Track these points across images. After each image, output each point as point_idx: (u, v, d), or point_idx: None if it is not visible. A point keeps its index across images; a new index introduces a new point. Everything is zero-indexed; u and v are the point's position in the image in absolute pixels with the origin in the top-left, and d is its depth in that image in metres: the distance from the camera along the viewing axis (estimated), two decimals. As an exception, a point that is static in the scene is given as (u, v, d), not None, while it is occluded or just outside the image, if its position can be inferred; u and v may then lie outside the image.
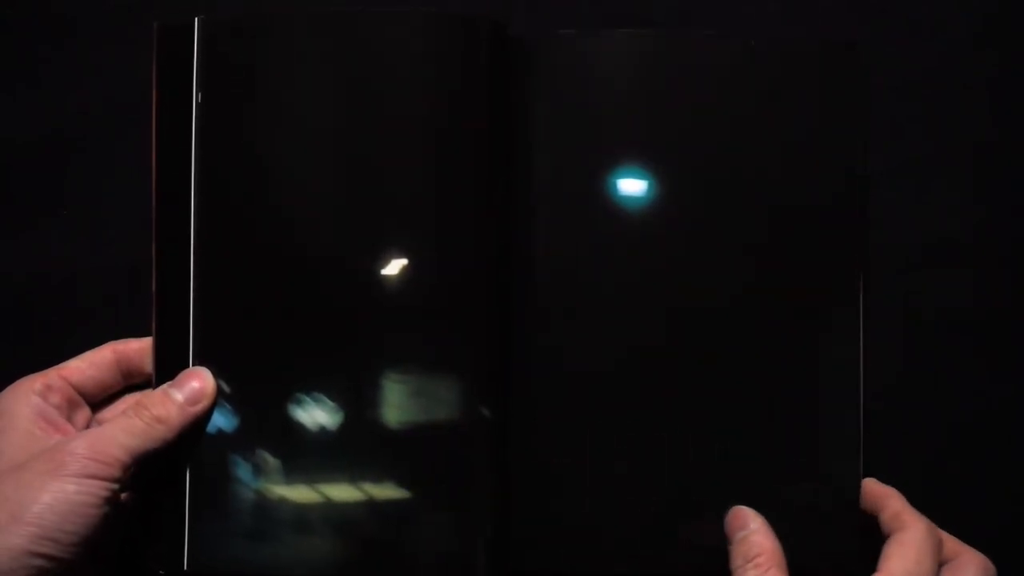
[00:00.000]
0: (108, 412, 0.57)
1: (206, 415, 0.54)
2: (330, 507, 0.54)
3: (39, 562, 0.49)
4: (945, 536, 0.54)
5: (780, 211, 0.57)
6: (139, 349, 0.57)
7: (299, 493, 0.54)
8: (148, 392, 0.55)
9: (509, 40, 0.56)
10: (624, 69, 0.57)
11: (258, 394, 0.55)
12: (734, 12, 0.63)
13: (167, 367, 0.55)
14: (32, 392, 0.54)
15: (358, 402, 0.54)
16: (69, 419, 0.55)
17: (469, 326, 0.55)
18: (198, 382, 0.54)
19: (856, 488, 0.56)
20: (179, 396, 0.54)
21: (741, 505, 0.55)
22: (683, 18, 0.63)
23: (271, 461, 0.54)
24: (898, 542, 0.53)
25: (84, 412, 0.56)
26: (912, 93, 0.62)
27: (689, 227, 0.57)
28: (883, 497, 0.55)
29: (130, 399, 0.57)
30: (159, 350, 0.56)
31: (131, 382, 0.57)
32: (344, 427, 0.54)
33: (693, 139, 0.57)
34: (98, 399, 0.57)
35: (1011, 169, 0.62)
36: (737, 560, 0.53)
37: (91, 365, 0.56)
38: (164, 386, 0.54)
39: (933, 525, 0.53)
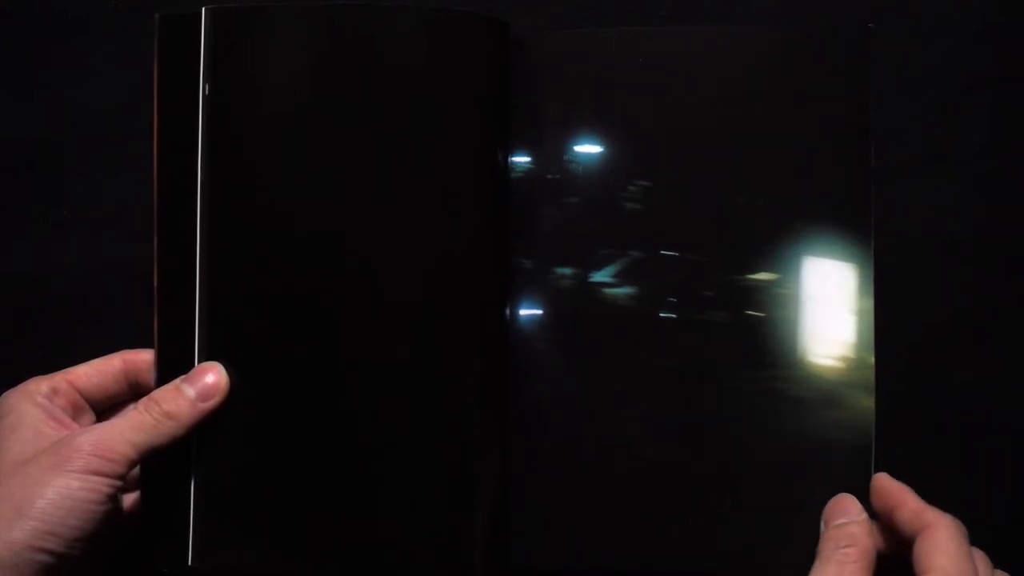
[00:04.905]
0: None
1: (217, 411, 0.54)
2: (333, 505, 0.54)
3: (42, 557, 0.49)
4: None
5: (784, 208, 0.57)
6: (149, 360, 0.56)
7: (303, 490, 0.54)
8: (162, 388, 0.54)
9: (510, 39, 0.56)
10: (626, 66, 0.57)
11: (266, 391, 0.54)
12: (733, 12, 0.63)
13: (169, 363, 0.55)
14: (38, 393, 0.54)
15: (362, 399, 0.54)
16: (75, 422, 0.55)
17: (470, 325, 0.55)
18: (212, 377, 0.54)
19: (866, 483, 0.55)
20: (191, 392, 0.53)
21: (847, 494, 0.54)
22: (681, 18, 0.63)
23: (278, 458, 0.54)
24: (933, 541, 0.50)
25: (89, 417, 0.56)
26: (912, 93, 0.62)
27: (690, 222, 0.57)
28: (898, 494, 0.53)
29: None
30: (161, 347, 0.55)
31: (139, 392, 0.57)
32: (346, 424, 0.54)
33: (695, 136, 0.57)
34: (104, 407, 0.57)
35: (1011, 169, 0.62)
36: (828, 544, 0.52)
37: (98, 373, 0.56)
38: (177, 380, 0.54)
39: (957, 519, 0.52)
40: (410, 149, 0.54)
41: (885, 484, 0.54)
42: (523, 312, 0.57)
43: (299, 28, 0.54)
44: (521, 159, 0.57)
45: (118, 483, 0.51)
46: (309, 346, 0.54)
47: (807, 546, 0.53)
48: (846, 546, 0.51)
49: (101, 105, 0.64)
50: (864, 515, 0.53)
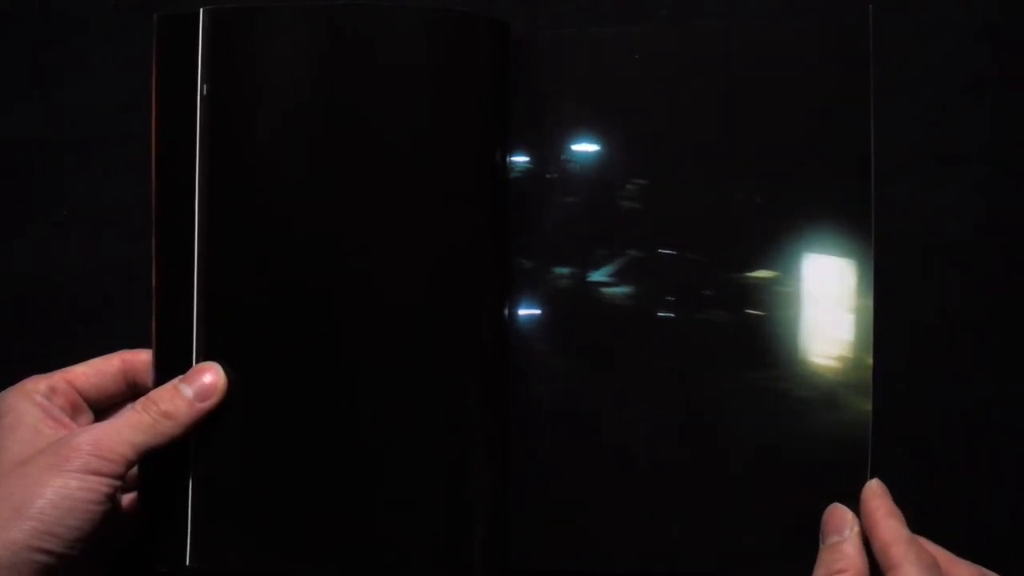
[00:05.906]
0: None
1: (215, 411, 0.54)
2: (333, 505, 0.54)
3: (40, 557, 0.49)
4: (936, 551, 0.52)
5: (784, 206, 0.57)
6: (147, 360, 0.56)
7: (303, 490, 0.54)
8: (160, 388, 0.54)
9: (510, 39, 0.56)
10: (626, 66, 0.57)
11: (265, 391, 0.54)
12: (732, 12, 0.63)
13: (168, 363, 0.55)
14: (37, 393, 0.54)
15: (361, 399, 0.54)
16: (73, 421, 0.55)
17: (470, 325, 0.55)
18: (210, 377, 0.54)
19: (863, 484, 0.55)
20: (189, 391, 0.53)
21: (839, 504, 0.53)
22: (681, 18, 0.63)
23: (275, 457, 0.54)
24: None
25: (87, 417, 0.56)
26: (912, 93, 0.62)
27: (688, 220, 0.57)
28: (872, 516, 0.52)
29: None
30: (159, 347, 0.56)
31: (137, 392, 0.57)
32: (346, 424, 0.54)
33: (694, 135, 0.57)
34: (103, 406, 0.57)
35: (1011, 169, 0.62)
36: (820, 568, 0.51)
37: (97, 372, 0.56)
38: (175, 380, 0.54)
39: (923, 551, 0.50)
40: (410, 149, 0.54)
41: (865, 504, 0.53)
42: (522, 312, 0.57)
43: (298, 28, 0.54)
44: (520, 159, 0.57)
45: (117, 483, 0.51)
46: (308, 346, 0.54)
47: (806, 546, 0.53)
48: (839, 570, 0.51)
49: (101, 105, 0.64)
50: (857, 527, 0.52)
